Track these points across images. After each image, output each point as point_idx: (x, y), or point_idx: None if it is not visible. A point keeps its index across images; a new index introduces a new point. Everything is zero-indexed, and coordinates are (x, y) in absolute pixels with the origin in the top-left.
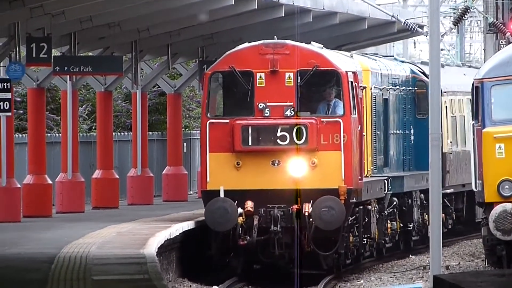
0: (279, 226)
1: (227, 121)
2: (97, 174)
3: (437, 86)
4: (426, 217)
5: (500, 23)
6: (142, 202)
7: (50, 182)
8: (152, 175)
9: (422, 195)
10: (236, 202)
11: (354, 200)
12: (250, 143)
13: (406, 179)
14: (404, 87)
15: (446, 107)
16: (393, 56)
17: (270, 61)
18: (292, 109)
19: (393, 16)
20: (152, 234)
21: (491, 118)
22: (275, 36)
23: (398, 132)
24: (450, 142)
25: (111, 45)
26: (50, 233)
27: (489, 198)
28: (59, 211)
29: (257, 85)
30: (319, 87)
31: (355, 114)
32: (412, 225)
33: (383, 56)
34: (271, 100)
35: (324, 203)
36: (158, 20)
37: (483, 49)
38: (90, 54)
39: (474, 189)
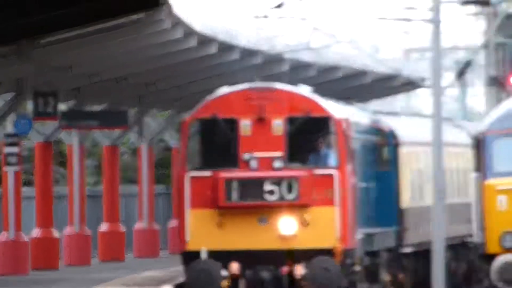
0: None
1: (209, 174)
2: (103, 227)
3: (439, 137)
4: (391, 278)
5: (501, 76)
6: (148, 255)
7: (57, 235)
8: (157, 228)
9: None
10: (220, 263)
11: (351, 261)
12: (234, 199)
13: (376, 237)
14: (366, 137)
15: (405, 159)
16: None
17: (256, 107)
18: (281, 160)
19: (395, 70)
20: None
21: (494, 170)
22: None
23: (363, 185)
24: (410, 197)
25: (117, 100)
26: (56, 286)
27: (491, 248)
28: (66, 264)
29: (242, 133)
30: (311, 136)
31: (349, 164)
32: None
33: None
34: (258, 150)
35: (319, 265)
36: (163, 75)
37: (485, 102)
38: (96, 108)
39: (477, 240)
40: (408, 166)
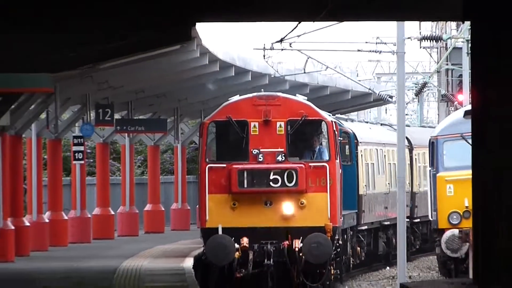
0: (272, 260)
1: (224, 165)
2: (148, 207)
3: (402, 140)
4: (358, 249)
5: (450, 94)
6: (182, 228)
7: (112, 213)
8: (189, 208)
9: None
10: (233, 238)
11: (338, 237)
12: (245, 186)
13: (345, 217)
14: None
15: (361, 155)
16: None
17: (263, 111)
18: (283, 154)
19: (369, 89)
20: (188, 253)
21: (444, 165)
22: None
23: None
24: (365, 185)
25: (158, 110)
26: (113, 251)
27: (441, 225)
28: (120, 235)
29: (252, 133)
30: (307, 135)
31: (337, 159)
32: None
33: None
34: (264, 147)
35: (313, 240)
36: (193, 92)
37: (437, 114)
38: (142, 117)
39: (430, 218)
40: (364, 161)
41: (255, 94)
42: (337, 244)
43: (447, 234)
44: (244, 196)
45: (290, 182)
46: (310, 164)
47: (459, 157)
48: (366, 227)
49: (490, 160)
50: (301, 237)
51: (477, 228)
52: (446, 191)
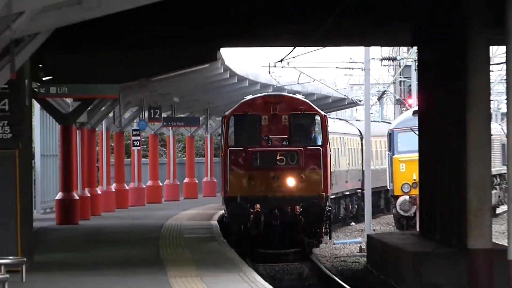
0: (278, 222)
1: (242, 148)
2: (186, 180)
3: (368, 133)
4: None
5: (402, 99)
6: (211, 195)
7: (160, 184)
8: (216, 180)
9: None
10: (248, 205)
11: (328, 203)
12: (258, 164)
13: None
14: None
15: (331, 142)
16: None
17: (271, 107)
18: (287, 140)
19: (344, 95)
20: (215, 213)
21: (398, 150)
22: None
23: None
24: (333, 165)
25: (193, 111)
26: (161, 212)
27: (396, 192)
28: (166, 200)
29: (262, 124)
30: (305, 125)
31: (328, 144)
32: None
33: None
34: (272, 134)
35: (310, 205)
36: (218, 97)
37: (394, 113)
38: (182, 115)
39: (388, 188)
40: (332, 146)
41: (265, 93)
42: (328, 209)
43: (401, 199)
44: (257, 172)
45: (292, 161)
46: (307, 147)
47: (409, 144)
48: (334, 196)
49: (431, 146)
50: (301, 204)
51: (422, 195)
52: (400, 168)
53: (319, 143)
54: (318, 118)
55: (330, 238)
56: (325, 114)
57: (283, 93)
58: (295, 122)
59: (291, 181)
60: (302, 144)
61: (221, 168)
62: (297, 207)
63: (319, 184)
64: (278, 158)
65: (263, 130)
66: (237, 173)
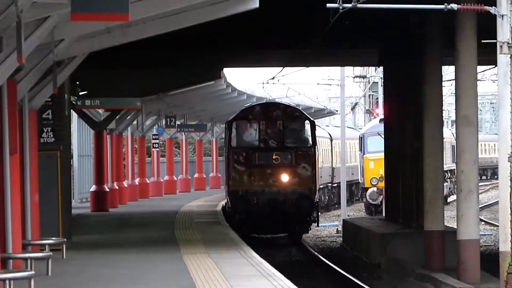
0: (275, 211)
1: (243, 149)
2: (196, 175)
3: (343, 137)
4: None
5: (371, 109)
6: (216, 187)
7: (175, 179)
8: (220, 176)
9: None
10: (248, 197)
11: (317, 195)
12: (257, 162)
13: None
14: None
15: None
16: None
17: (268, 114)
18: (281, 142)
19: (324, 106)
20: (219, 202)
21: (368, 150)
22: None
23: None
24: (322, 162)
25: (202, 119)
26: (175, 201)
27: (366, 185)
28: (180, 191)
29: (261, 128)
30: (297, 129)
31: (316, 145)
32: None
33: None
34: (269, 137)
35: (301, 198)
36: (222, 108)
37: (364, 120)
38: (192, 123)
39: (360, 181)
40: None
41: (263, 102)
42: (316, 201)
43: (370, 190)
44: (256, 169)
45: (286, 160)
46: (299, 148)
47: (376, 146)
48: (321, 186)
49: (394, 147)
50: (294, 196)
51: (387, 187)
52: (369, 165)
53: (309, 144)
54: (308, 123)
55: (318, 226)
56: (313, 120)
57: (278, 102)
58: (288, 126)
59: (285, 177)
60: (294, 145)
61: (225, 166)
62: (291, 199)
63: (309, 179)
64: (273, 157)
65: (261, 133)
66: (238, 170)
